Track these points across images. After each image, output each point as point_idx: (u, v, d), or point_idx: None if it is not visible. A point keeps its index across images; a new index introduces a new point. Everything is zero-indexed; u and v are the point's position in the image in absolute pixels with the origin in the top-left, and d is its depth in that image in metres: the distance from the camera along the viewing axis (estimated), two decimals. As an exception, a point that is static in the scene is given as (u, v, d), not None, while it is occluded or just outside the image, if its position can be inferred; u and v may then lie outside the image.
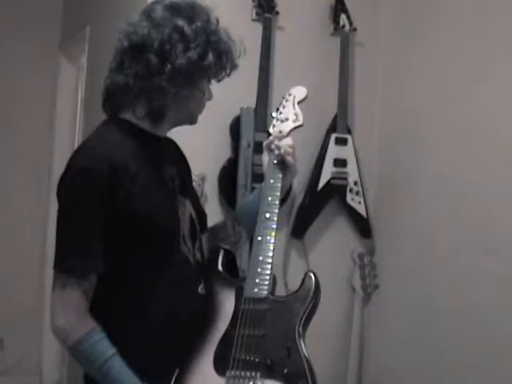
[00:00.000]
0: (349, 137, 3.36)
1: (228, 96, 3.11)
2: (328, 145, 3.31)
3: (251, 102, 3.17)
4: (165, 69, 1.70)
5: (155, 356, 1.73)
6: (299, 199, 3.26)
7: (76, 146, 4.20)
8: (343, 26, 3.40)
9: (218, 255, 2.01)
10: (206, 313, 1.90)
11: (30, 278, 4.79)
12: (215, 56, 1.76)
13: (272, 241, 1.93)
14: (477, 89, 2.92)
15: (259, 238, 1.95)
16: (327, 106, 3.35)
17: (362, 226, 3.43)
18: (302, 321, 1.94)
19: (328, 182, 3.28)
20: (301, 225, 3.26)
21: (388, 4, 3.58)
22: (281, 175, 2.00)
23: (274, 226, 1.95)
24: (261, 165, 2.97)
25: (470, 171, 2.95)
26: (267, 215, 1.96)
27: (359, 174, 3.37)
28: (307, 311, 1.95)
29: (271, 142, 2.01)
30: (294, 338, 1.91)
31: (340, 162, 3.32)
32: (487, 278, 2.78)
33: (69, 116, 4.79)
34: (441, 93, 3.15)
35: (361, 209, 3.38)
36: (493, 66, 2.84)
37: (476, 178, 2.91)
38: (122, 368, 1.65)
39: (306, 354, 1.88)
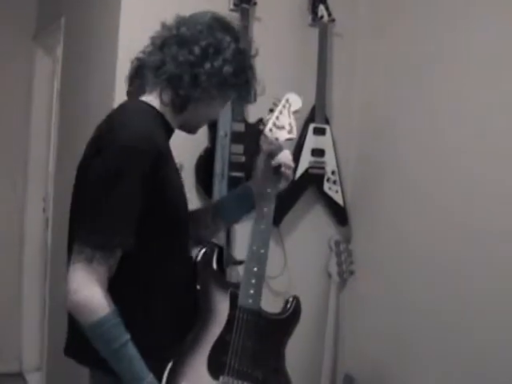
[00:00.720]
0: (327, 127, 3.40)
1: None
2: (306, 135, 3.35)
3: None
4: (204, 63, 1.79)
5: (159, 339, 1.81)
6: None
7: (53, 136, 4.25)
8: (322, 17, 3.43)
9: (212, 251, 2.09)
10: (202, 308, 1.99)
11: (7, 266, 4.79)
12: (245, 79, 1.91)
13: (267, 253, 2.07)
14: (454, 82, 2.97)
15: (254, 248, 2.05)
16: (306, 96, 3.31)
17: (339, 214, 3.48)
18: (286, 344, 2.17)
19: (306, 172, 3.33)
20: (278, 213, 3.25)
21: (366, -5, 3.62)
22: (278, 185, 2.09)
23: (269, 238, 2.07)
24: (237, 154, 3.07)
25: (444, 162, 3.00)
26: (262, 227, 2.06)
27: (337, 163, 3.42)
28: (291, 335, 2.19)
29: (272, 151, 2.06)
30: (280, 359, 2.15)
31: (318, 152, 3.37)
32: (461, 266, 2.84)
33: (45, 106, 4.79)
34: (418, 84, 3.19)
35: (338, 197, 3.43)
36: (471, 57, 2.89)
37: (450, 168, 2.97)
38: (137, 354, 1.69)
39: (290, 380, 2.15)
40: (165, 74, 1.80)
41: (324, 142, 3.38)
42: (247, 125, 3.16)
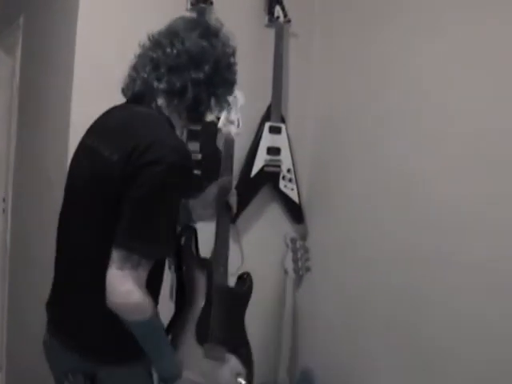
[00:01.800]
0: (282, 126, 3.45)
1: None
2: (262, 133, 3.39)
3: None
4: (216, 78, 2.00)
5: None
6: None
7: (12, 138, 4.20)
8: (278, 18, 3.48)
9: (191, 236, 2.48)
10: (187, 288, 2.44)
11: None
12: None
13: (228, 238, 2.51)
14: (407, 83, 3.03)
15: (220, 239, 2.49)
16: (262, 95, 3.43)
17: (295, 211, 3.54)
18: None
19: (261, 170, 3.37)
20: (234, 210, 3.33)
21: (322, -4, 3.68)
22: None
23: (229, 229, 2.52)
24: (194, 151, 3.11)
25: (394, 162, 3.06)
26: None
27: (292, 161, 3.47)
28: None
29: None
30: (244, 328, 2.80)
31: (274, 150, 3.42)
32: (413, 261, 2.89)
33: (4, 106, 4.76)
34: (371, 85, 3.26)
35: (293, 195, 3.49)
36: (424, 59, 2.94)
37: (399, 168, 3.02)
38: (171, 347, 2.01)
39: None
40: (189, 99, 1.96)
41: (280, 140, 3.43)
42: (203, 123, 3.18)
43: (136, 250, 1.77)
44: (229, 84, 2.05)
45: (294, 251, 3.47)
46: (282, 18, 3.49)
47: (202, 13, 3.25)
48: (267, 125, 3.41)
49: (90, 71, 3.04)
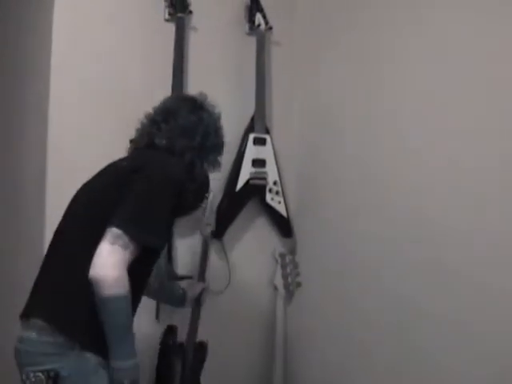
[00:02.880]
0: (267, 137, 3.34)
1: (142, 97, 3.07)
2: (246, 145, 3.29)
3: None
4: (206, 143, 2.35)
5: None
6: (218, 200, 3.22)
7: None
8: (259, 25, 3.39)
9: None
10: None
11: None
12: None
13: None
14: (393, 88, 2.96)
15: None
16: (245, 106, 3.33)
17: (283, 225, 3.43)
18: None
19: (247, 183, 3.26)
20: (220, 225, 3.22)
21: (303, 2, 3.60)
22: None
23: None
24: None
25: (389, 169, 2.97)
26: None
27: (278, 173, 3.36)
28: None
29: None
30: None
31: (259, 163, 3.31)
32: (407, 274, 2.82)
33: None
34: (357, 91, 3.17)
35: (281, 208, 3.38)
36: (408, 62, 2.88)
37: (396, 174, 2.94)
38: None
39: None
40: (187, 158, 2.30)
41: (265, 152, 3.32)
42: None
43: (129, 232, 2.02)
44: (218, 147, 2.40)
45: (284, 266, 3.37)
46: (263, 26, 3.40)
47: (180, 24, 3.15)
48: (251, 136, 3.30)
49: (67, 81, 2.96)
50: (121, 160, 2.36)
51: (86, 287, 2.01)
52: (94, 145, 2.99)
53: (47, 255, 2.27)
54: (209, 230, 3.08)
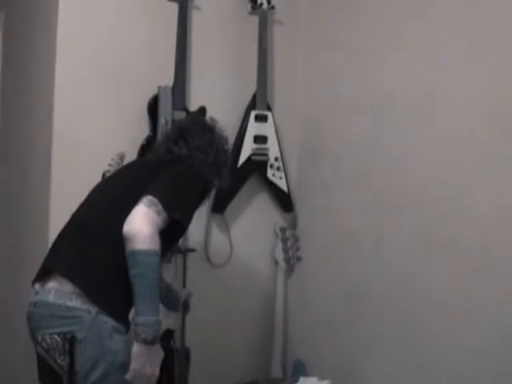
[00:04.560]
0: (269, 113, 3.40)
1: (145, 75, 3.14)
2: (248, 122, 3.35)
3: (169, 80, 3.16)
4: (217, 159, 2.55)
5: None
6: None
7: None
8: (261, 5, 3.43)
9: None
10: None
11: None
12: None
13: None
14: (395, 68, 3.01)
15: None
16: (247, 83, 3.39)
17: (284, 200, 3.49)
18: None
19: (248, 159, 3.33)
20: (221, 200, 3.29)
21: (306, -19, 3.63)
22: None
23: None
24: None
25: (385, 145, 3.03)
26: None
27: (280, 149, 3.42)
28: None
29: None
30: None
31: (260, 139, 3.37)
32: (407, 247, 2.87)
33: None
34: (358, 69, 3.22)
35: (282, 184, 3.44)
36: (412, 44, 2.93)
37: (391, 150, 3.00)
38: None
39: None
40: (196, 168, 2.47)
41: (266, 128, 3.38)
42: (188, 113, 3.15)
43: (163, 201, 2.16)
44: (226, 164, 2.62)
45: (284, 241, 3.43)
46: (265, 5, 3.44)
47: (183, 3, 3.21)
48: (253, 113, 3.36)
49: (71, 81, 3.02)
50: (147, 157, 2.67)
51: (111, 253, 2.14)
52: (98, 124, 3.07)
53: (72, 220, 2.34)
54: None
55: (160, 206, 2.14)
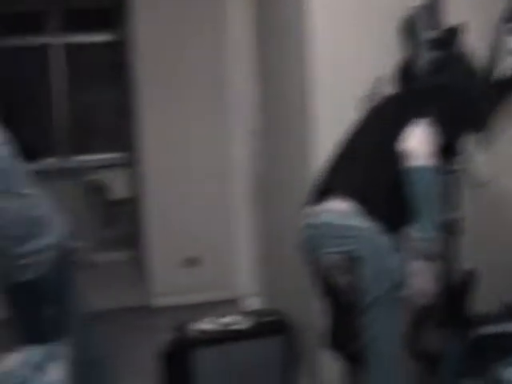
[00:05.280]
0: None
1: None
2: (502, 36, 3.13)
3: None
4: None
5: None
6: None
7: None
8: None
9: None
10: None
11: (218, 194, 4.98)
12: None
13: None
14: None
15: None
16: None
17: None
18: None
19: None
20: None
21: None
22: None
23: None
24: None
25: None
26: None
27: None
28: None
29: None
30: None
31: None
32: None
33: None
34: None
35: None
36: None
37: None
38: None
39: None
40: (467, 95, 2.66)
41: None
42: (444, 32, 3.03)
43: (438, 123, 2.24)
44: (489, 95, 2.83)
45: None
46: None
47: None
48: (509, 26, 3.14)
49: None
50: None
51: (388, 171, 2.23)
52: (354, 50, 3.14)
53: (347, 144, 2.44)
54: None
55: (434, 128, 2.21)
